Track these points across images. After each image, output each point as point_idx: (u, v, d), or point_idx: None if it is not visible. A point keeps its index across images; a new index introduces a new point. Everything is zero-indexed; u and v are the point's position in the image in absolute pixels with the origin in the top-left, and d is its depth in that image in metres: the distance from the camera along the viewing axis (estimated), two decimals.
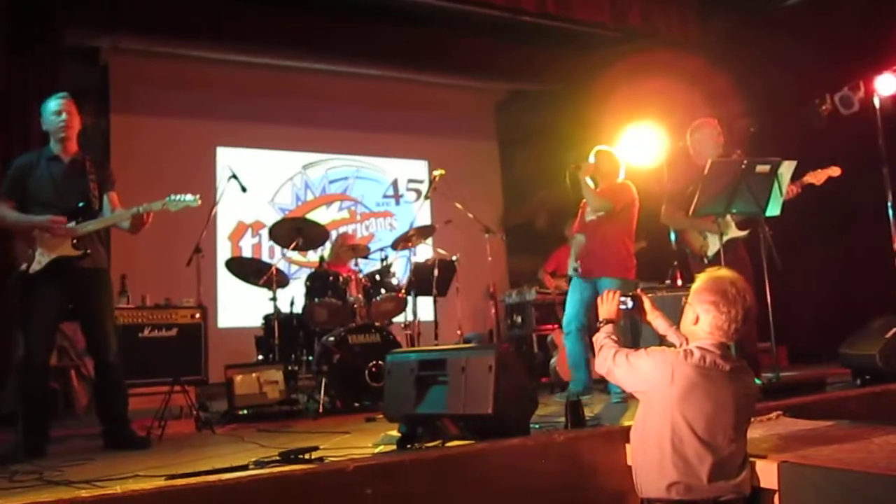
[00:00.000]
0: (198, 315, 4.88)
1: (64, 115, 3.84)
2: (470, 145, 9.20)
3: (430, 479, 2.63)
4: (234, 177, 5.52)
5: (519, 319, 6.99)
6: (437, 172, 5.61)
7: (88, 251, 3.75)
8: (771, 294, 4.15)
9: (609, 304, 2.94)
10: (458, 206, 5.87)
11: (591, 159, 4.87)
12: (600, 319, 2.94)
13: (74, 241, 3.70)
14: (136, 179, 6.95)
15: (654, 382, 2.52)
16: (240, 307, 7.02)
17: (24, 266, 3.64)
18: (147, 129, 7.56)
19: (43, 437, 3.61)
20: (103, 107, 7.51)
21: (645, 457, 2.53)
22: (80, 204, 3.77)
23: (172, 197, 3.90)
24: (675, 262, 5.76)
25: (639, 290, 3.09)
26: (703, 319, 2.57)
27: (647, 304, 2.98)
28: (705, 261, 4.48)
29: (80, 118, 3.96)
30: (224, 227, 7.83)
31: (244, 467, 2.73)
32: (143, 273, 6.66)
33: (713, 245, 4.47)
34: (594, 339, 2.90)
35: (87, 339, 3.90)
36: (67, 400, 5.60)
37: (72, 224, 3.70)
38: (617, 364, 2.68)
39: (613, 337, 2.84)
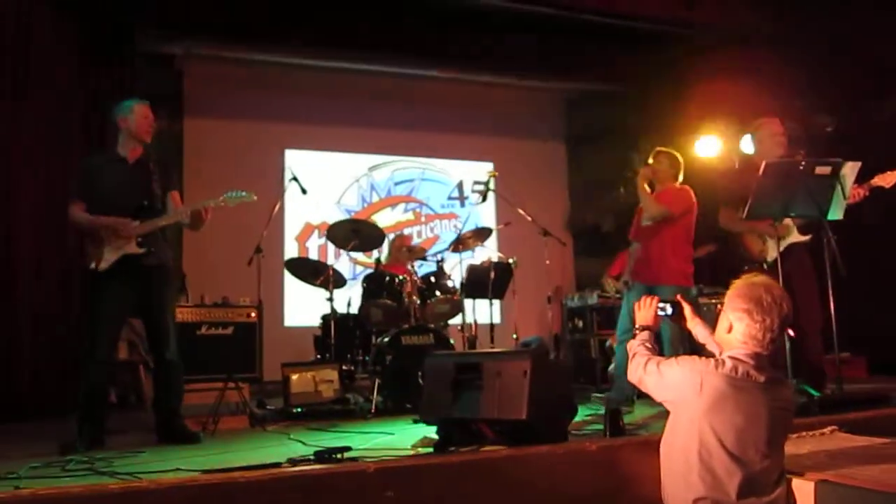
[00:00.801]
0: (253, 314, 5.01)
1: (153, 121, 4.05)
2: (536, 146, 9.14)
3: (453, 484, 2.62)
4: (295, 178, 5.66)
5: (580, 323, 6.87)
6: (489, 173, 5.59)
7: (152, 249, 3.91)
8: (834, 302, 3.94)
9: (646, 311, 2.87)
10: (520, 211, 5.81)
11: (650, 161, 4.76)
12: (637, 325, 2.87)
13: (139, 239, 3.87)
14: (207, 181, 7.24)
15: (683, 392, 2.44)
16: (306, 306, 7.17)
17: (92, 264, 3.82)
18: (219, 133, 7.84)
19: (100, 429, 3.78)
20: (177, 111, 7.81)
21: (671, 469, 2.45)
22: (144, 203, 3.94)
23: (229, 193, 4.04)
24: (746, 268, 5.57)
25: (678, 296, 2.99)
26: (736, 328, 2.47)
27: (687, 311, 2.89)
28: (764, 266, 4.31)
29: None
30: (292, 229, 8.03)
31: (277, 465, 2.79)
32: (210, 273, 6.94)
33: (773, 250, 4.29)
34: (628, 346, 2.83)
35: (148, 335, 4.07)
36: (137, 393, 5.86)
37: (136, 223, 3.87)
38: (648, 372, 2.61)
39: (648, 345, 2.76)
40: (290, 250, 7.88)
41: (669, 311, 2.87)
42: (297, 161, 7.95)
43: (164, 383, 3.96)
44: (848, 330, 5.12)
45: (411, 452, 3.22)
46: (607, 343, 6.09)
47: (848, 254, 3.87)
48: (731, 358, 2.43)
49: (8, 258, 5.23)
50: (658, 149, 4.90)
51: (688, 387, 2.42)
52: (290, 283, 7.35)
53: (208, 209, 3.97)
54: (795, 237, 4.35)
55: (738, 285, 2.54)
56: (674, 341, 4.23)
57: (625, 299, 4.82)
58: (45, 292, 5.38)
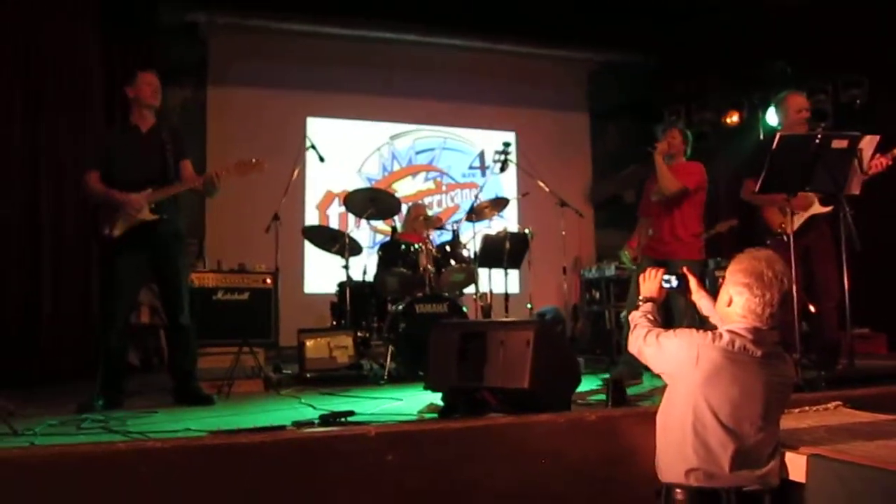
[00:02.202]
0: (269, 280, 5.08)
1: (157, 87, 4.11)
2: (560, 117, 9.05)
3: (452, 450, 2.66)
4: (313, 147, 5.70)
5: (597, 295, 6.87)
6: (505, 143, 5.57)
7: (165, 216, 3.99)
8: (850, 277, 3.89)
9: (651, 282, 2.86)
10: (539, 182, 5.79)
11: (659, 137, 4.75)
12: (641, 297, 2.87)
13: (152, 206, 3.95)
14: (230, 149, 7.30)
15: (679, 364, 2.44)
16: (327, 273, 7.22)
17: (106, 230, 3.91)
18: (242, 101, 7.87)
19: (119, 391, 3.89)
20: (202, 80, 7.86)
21: (667, 440, 2.47)
22: (156, 172, 4.01)
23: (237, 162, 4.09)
24: (768, 242, 5.53)
25: (684, 269, 2.97)
26: (736, 302, 2.46)
27: (692, 283, 2.88)
28: (785, 238, 4.26)
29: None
30: (313, 196, 8.07)
31: (282, 427, 2.86)
32: (231, 239, 7.03)
33: (795, 221, 4.23)
34: (630, 316, 2.84)
35: (162, 300, 4.17)
36: (160, 356, 6.00)
37: (148, 191, 3.94)
38: (647, 344, 2.61)
39: (650, 316, 2.76)
40: (311, 218, 7.93)
41: (675, 283, 2.86)
42: (318, 129, 8.00)
43: (178, 347, 4.06)
44: (869, 306, 5.08)
45: (415, 418, 3.27)
46: (622, 314, 6.08)
47: (876, 228, 3.82)
48: (729, 331, 2.43)
49: (34, 224, 5.35)
50: (671, 126, 4.90)
51: (684, 359, 2.42)
52: (311, 250, 7.41)
53: (220, 175, 4.03)
54: (817, 209, 4.30)
55: (739, 259, 2.52)
56: (683, 313, 4.22)
57: (637, 269, 4.82)
58: (66, 257, 5.48)
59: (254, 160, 4.06)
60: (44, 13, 5.50)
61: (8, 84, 5.20)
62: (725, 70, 7.54)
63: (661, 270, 2.87)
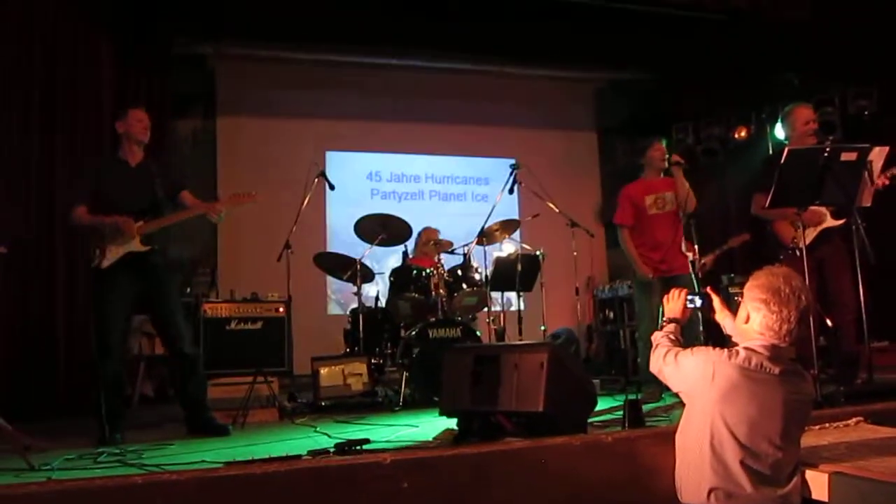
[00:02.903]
0: (281, 309, 5.08)
1: (147, 123, 4.19)
2: (567, 136, 9.11)
3: (468, 475, 2.63)
4: (322, 174, 5.74)
5: (611, 315, 6.84)
6: (514, 164, 5.60)
7: (156, 247, 4.05)
8: (865, 289, 3.86)
9: (675, 303, 2.86)
10: (549, 203, 5.79)
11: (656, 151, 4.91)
12: (665, 317, 2.86)
13: (142, 237, 4.00)
14: (240, 178, 7.40)
15: (696, 382, 2.43)
16: (351, 296, 7.24)
17: (95, 261, 3.94)
18: (251, 130, 7.97)
19: (122, 419, 3.89)
20: (211, 110, 7.95)
21: (685, 460, 2.44)
22: (146, 204, 4.07)
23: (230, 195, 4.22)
24: (781, 256, 5.52)
25: (708, 288, 2.97)
26: (753, 318, 2.45)
27: (716, 303, 2.87)
28: (797, 253, 4.24)
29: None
30: (335, 223, 8.07)
31: (297, 457, 2.85)
32: (245, 268, 7.07)
33: (807, 235, 4.22)
34: (653, 336, 2.83)
35: (161, 332, 4.17)
36: (175, 387, 6.00)
37: (139, 223, 3.99)
38: (666, 363, 2.61)
39: (672, 336, 2.76)
40: (337, 244, 7.88)
41: (699, 302, 2.86)
42: (327, 157, 8.07)
43: (185, 376, 4.06)
44: (886, 318, 5.03)
45: (431, 444, 3.25)
46: (637, 334, 6.05)
47: (890, 239, 3.79)
48: (746, 349, 2.41)
49: (50, 256, 5.41)
50: (658, 140, 5.06)
51: (701, 376, 2.41)
52: None
53: (214, 208, 4.11)
54: (829, 222, 4.30)
55: (757, 275, 2.51)
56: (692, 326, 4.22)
57: (639, 288, 4.86)
58: (79, 290, 5.53)
59: (248, 193, 4.14)
60: (64, 37, 5.71)
61: (25, 101, 5.37)
62: (733, 84, 7.57)
63: (685, 291, 2.88)
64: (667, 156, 4.91)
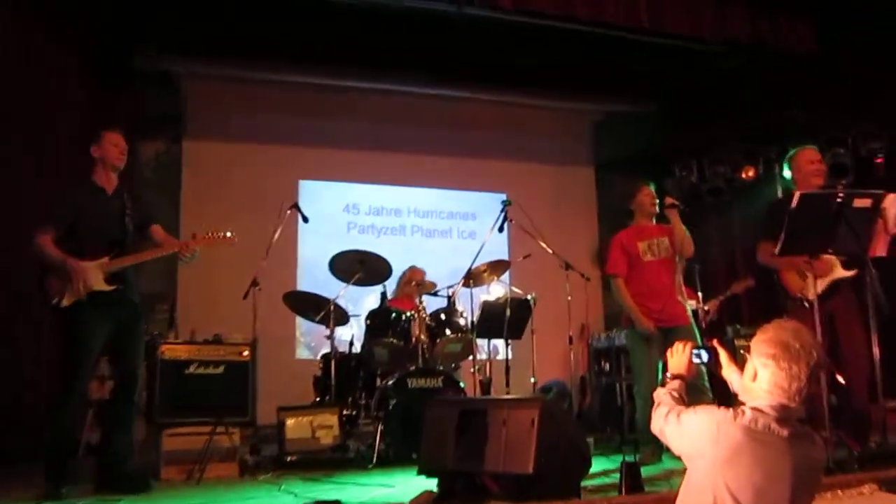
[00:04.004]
0: (246, 352, 5.05)
1: (124, 148, 4.21)
2: (562, 171, 9.18)
3: None
4: (295, 206, 5.76)
5: (607, 366, 6.86)
6: (505, 200, 5.66)
7: (121, 286, 4.03)
8: (880, 344, 3.91)
9: (680, 357, 2.87)
10: (541, 243, 5.83)
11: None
12: (668, 374, 2.87)
13: (108, 276, 3.99)
14: (207, 208, 7.40)
15: (698, 443, 2.42)
16: (322, 339, 7.21)
17: (55, 300, 3.91)
18: (219, 156, 7.98)
19: (68, 475, 3.83)
20: (177, 133, 7.96)
21: None
22: (116, 237, 4.09)
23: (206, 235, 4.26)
24: (789, 308, 5.60)
25: (714, 341, 2.99)
26: (761, 376, 2.46)
27: (723, 357, 2.88)
28: (805, 304, 4.30)
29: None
30: (306, 259, 8.07)
31: None
32: (209, 306, 7.03)
33: (813, 287, 4.27)
34: (655, 394, 2.84)
35: (119, 378, 4.16)
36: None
37: (104, 259, 3.99)
38: (668, 422, 2.60)
39: (675, 394, 2.76)
40: (307, 282, 7.84)
41: (705, 357, 2.86)
42: (301, 186, 8.10)
43: (120, 427, 4.03)
44: None
45: None
46: (635, 388, 6.06)
47: None
48: (753, 409, 2.42)
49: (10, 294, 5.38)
50: (644, 184, 5.16)
51: (703, 437, 2.41)
52: None
53: (188, 247, 4.16)
54: (839, 273, 4.35)
55: (764, 329, 2.53)
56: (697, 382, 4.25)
57: (632, 339, 4.91)
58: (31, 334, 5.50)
59: (226, 234, 4.21)
60: (23, 49, 5.74)
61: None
62: (738, 120, 7.71)
63: (691, 345, 2.89)
64: (657, 200, 4.99)
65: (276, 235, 5.62)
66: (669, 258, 4.93)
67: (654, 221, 5.07)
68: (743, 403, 2.60)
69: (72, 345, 3.91)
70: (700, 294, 6.65)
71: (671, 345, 2.97)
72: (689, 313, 4.90)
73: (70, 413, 3.88)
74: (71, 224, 4.03)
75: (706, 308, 6.68)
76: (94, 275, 3.94)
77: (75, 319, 3.90)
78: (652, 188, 5.09)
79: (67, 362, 3.91)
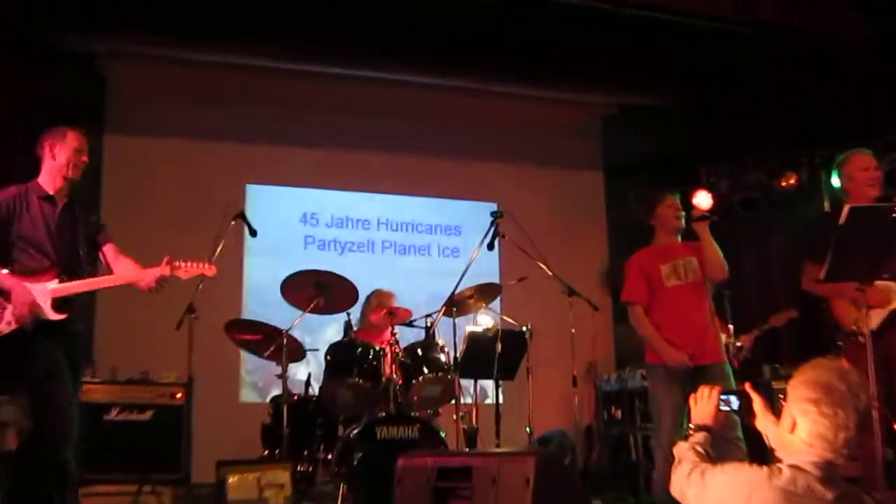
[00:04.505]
0: (179, 394, 5.05)
1: (84, 154, 4.25)
2: (566, 177, 9.27)
3: None
4: (241, 216, 5.76)
5: (618, 413, 6.89)
6: (495, 211, 5.68)
7: (71, 317, 4.06)
8: None
9: (705, 404, 2.90)
10: (540, 264, 5.85)
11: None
12: (692, 424, 2.90)
13: (56, 302, 3.99)
14: (132, 212, 7.36)
15: None
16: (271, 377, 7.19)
17: None
18: (149, 153, 7.97)
19: None
20: (98, 124, 7.92)
21: None
22: (67, 257, 4.12)
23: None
24: (840, 344, 5.65)
25: (747, 385, 3.02)
26: (800, 426, 2.49)
27: (757, 405, 2.90)
28: (860, 339, 4.34)
29: None
30: (255, 282, 8.07)
31: None
32: (131, 339, 6.99)
33: (872, 318, 4.32)
34: (675, 449, 2.86)
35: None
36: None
37: (52, 284, 4.00)
38: (691, 483, 2.63)
39: (700, 448, 2.78)
40: (255, 308, 7.83)
41: (735, 404, 2.89)
42: (249, 192, 8.10)
43: (59, 483, 3.97)
44: None
45: None
46: (653, 440, 6.09)
47: None
48: (791, 466, 2.45)
49: None
50: (670, 193, 5.18)
51: (731, 500, 2.44)
52: None
53: (153, 276, 4.20)
54: None
55: (803, 369, 2.57)
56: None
57: (654, 378, 4.95)
58: None
59: (206, 264, 4.33)
60: None
61: None
62: (777, 118, 7.78)
63: (718, 390, 2.92)
64: (682, 212, 5.02)
65: (218, 252, 5.59)
66: (699, 282, 4.95)
67: (679, 238, 5.11)
68: (780, 460, 2.64)
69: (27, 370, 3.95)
70: (731, 326, 6.70)
71: (698, 388, 3.00)
72: (723, 348, 4.93)
73: (49, 458, 3.89)
74: (5, 232, 4.05)
75: (738, 344, 6.72)
76: (40, 299, 3.95)
77: (22, 346, 3.91)
78: (677, 198, 5.12)
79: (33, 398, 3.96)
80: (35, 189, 4.19)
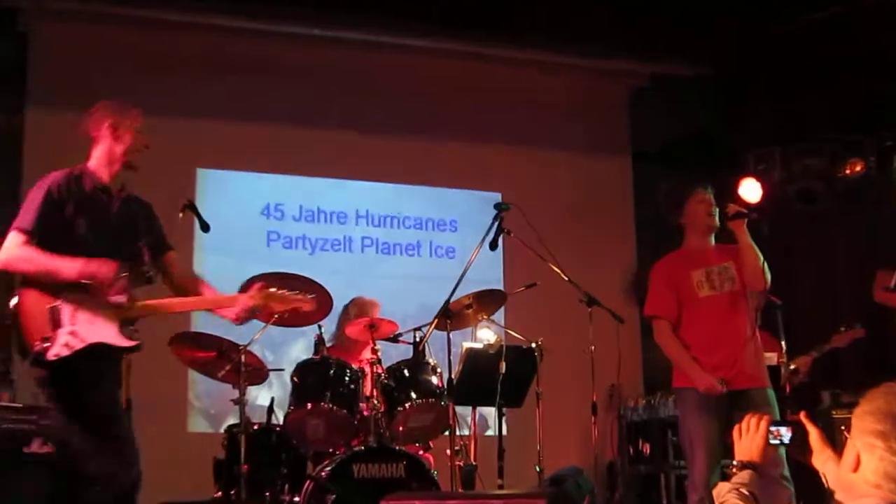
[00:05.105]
0: None
1: (145, 136, 4.28)
2: (585, 161, 9.26)
3: None
4: (191, 207, 5.75)
5: (646, 448, 6.91)
6: (500, 205, 5.69)
7: (139, 344, 4.08)
8: None
9: (753, 437, 2.90)
10: (555, 268, 5.86)
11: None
12: (736, 461, 2.91)
13: (128, 324, 4.05)
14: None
15: None
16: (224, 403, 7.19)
17: (40, 346, 3.83)
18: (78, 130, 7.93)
19: None
20: (18, 95, 7.93)
21: None
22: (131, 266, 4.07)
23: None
24: None
25: (801, 415, 3.03)
26: (865, 463, 2.51)
27: (813, 438, 2.92)
28: None
29: None
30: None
31: None
32: None
33: None
34: (715, 492, 2.87)
35: None
36: None
37: (119, 298, 4.00)
38: None
39: (745, 490, 2.79)
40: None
41: (787, 437, 2.90)
42: (200, 178, 8.10)
43: None
44: None
45: None
46: (688, 480, 6.12)
47: None
48: None
49: None
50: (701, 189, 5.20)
51: None
52: None
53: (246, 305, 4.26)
54: None
55: (871, 397, 2.58)
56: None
57: (686, 405, 4.96)
58: None
59: (304, 298, 4.45)
60: None
61: None
62: (842, 93, 7.80)
63: (767, 420, 2.92)
64: (715, 209, 5.05)
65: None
66: (737, 291, 5.00)
67: (712, 241, 5.14)
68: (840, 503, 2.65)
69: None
70: (784, 345, 6.70)
71: (741, 417, 3.00)
72: (766, 371, 4.96)
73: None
74: (56, 230, 3.99)
75: (793, 367, 6.72)
76: (104, 315, 3.96)
77: (74, 376, 3.88)
78: (709, 193, 5.14)
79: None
80: (89, 176, 4.18)
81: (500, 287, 6.79)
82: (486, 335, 6.19)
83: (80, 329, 3.84)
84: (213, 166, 8.38)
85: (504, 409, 5.91)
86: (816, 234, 8.33)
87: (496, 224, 5.72)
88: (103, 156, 4.20)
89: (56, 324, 3.82)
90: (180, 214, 5.69)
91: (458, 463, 5.72)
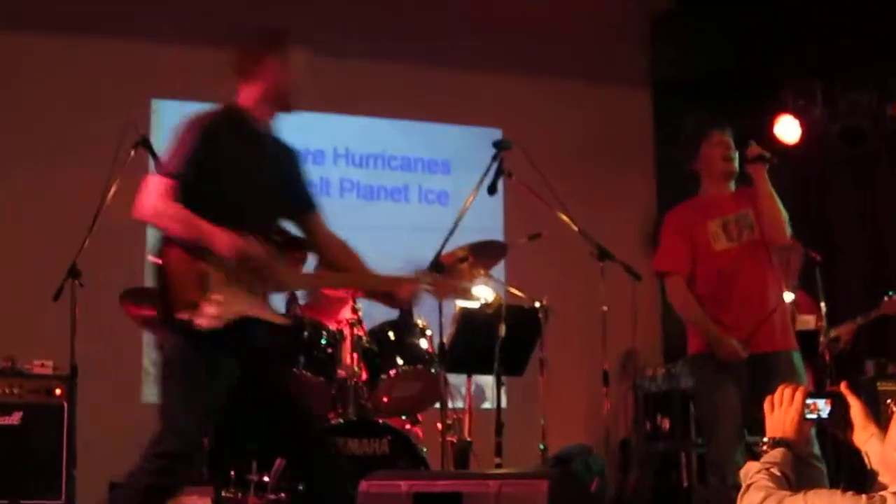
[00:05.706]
0: (58, 390, 5.07)
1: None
2: (598, 94, 9.28)
3: None
4: (145, 143, 5.76)
5: (664, 423, 6.96)
6: (500, 142, 5.69)
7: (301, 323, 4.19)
8: None
9: (787, 411, 2.92)
10: (564, 217, 5.88)
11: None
12: (766, 438, 2.94)
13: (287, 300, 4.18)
14: (8, 134, 7.36)
15: None
16: None
17: (186, 315, 3.81)
18: (30, 55, 7.94)
19: None
20: None
21: None
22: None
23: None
24: None
25: (842, 385, 3.05)
26: None
27: (855, 412, 2.93)
28: None
29: None
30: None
31: None
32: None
33: None
34: (743, 472, 2.90)
35: None
36: None
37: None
38: None
39: (776, 471, 2.82)
40: None
41: (826, 411, 2.91)
42: (154, 109, 8.10)
43: None
44: None
45: None
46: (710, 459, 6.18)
47: None
48: None
49: None
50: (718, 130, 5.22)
51: None
52: None
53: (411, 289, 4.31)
54: None
55: None
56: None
57: (708, 386, 4.99)
58: None
59: (466, 287, 4.62)
60: None
61: None
62: (886, 21, 7.78)
63: (802, 391, 2.94)
64: (733, 152, 5.07)
65: (111, 194, 5.63)
66: (757, 242, 5.01)
67: (732, 187, 5.16)
68: (884, 486, 2.69)
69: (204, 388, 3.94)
70: (823, 307, 6.73)
71: (764, 386, 3.03)
72: (792, 333, 4.98)
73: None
74: (206, 177, 3.97)
75: (833, 334, 6.73)
76: (259, 285, 3.97)
77: (204, 350, 3.88)
78: (727, 135, 5.17)
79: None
80: (240, 116, 4.19)
81: (500, 238, 6.80)
82: (483, 293, 6.22)
83: (229, 299, 3.85)
84: (170, 97, 8.35)
85: (503, 379, 5.94)
86: (862, 181, 8.31)
87: (495, 165, 5.72)
88: (260, 95, 4.19)
89: (205, 289, 3.85)
90: (132, 151, 5.72)
91: (450, 439, 5.78)
